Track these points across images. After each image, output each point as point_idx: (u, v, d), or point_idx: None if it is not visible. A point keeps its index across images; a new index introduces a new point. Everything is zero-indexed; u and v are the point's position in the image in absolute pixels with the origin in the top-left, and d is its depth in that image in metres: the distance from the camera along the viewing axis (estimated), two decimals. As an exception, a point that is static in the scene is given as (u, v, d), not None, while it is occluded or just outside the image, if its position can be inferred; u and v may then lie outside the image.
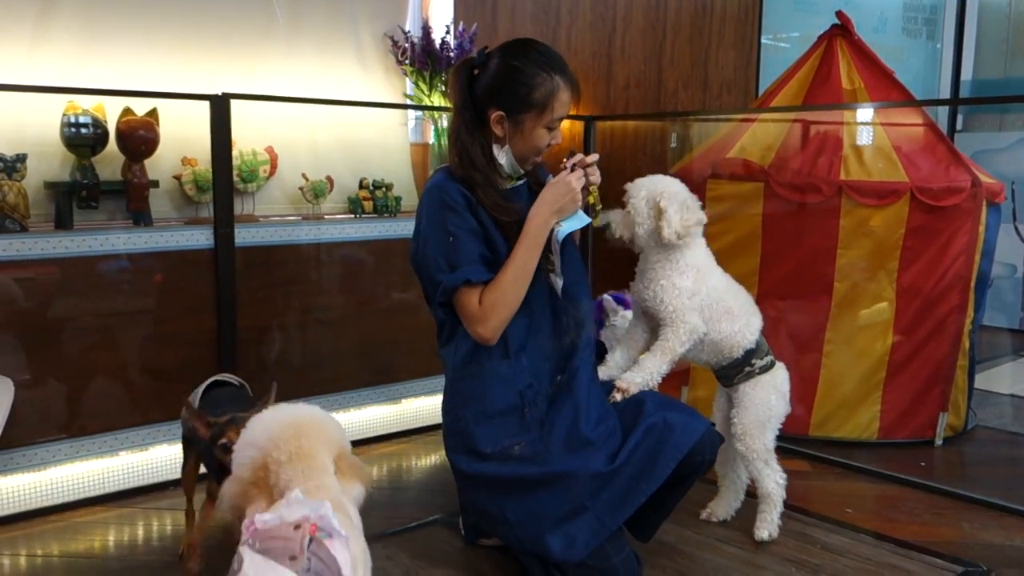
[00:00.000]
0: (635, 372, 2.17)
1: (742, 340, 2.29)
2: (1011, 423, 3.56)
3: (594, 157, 2.08)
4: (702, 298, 2.24)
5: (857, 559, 2.26)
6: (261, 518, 1.22)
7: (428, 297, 2.08)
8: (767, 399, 2.31)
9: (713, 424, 2.11)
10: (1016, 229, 5.42)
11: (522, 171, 2.11)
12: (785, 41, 5.11)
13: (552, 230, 2.03)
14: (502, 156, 2.05)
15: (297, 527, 1.20)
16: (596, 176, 2.08)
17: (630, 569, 1.97)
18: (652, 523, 2.18)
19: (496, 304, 1.97)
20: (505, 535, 2.08)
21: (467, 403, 2.06)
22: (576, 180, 2.01)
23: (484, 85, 2.02)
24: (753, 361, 2.32)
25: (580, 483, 1.94)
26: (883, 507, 2.65)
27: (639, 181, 2.26)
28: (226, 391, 2.23)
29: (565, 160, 2.07)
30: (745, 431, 2.31)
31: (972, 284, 3.14)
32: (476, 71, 2.04)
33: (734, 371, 2.33)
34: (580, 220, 2.06)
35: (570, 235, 2.10)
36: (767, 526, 2.34)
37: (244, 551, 1.18)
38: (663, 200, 2.17)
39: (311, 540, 1.19)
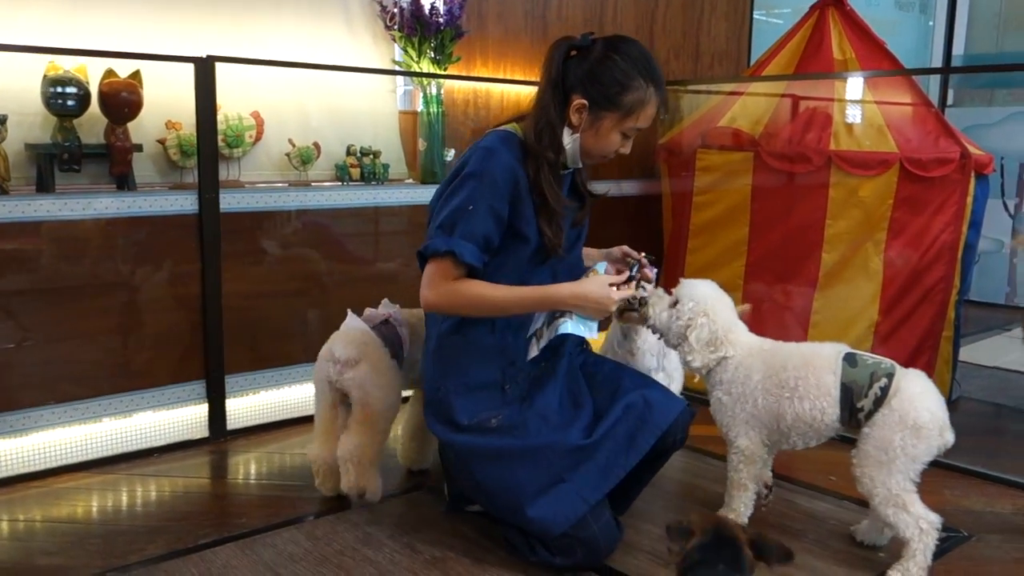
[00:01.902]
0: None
1: (821, 405, 2.02)
2: (994, 395, 3.58)
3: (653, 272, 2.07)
4: (750, 403, 2.09)
5: (840, 524, 2.27)
6: (364, 312, 2.41)
7: None
8: (888, 439, 1.94)
9: (689, 404, 2.10)
10: (1004, 204, 5.44)
11: (579, 164, 2.07)
12: (777, 16, 5.09)
13: (560, 317, 1.99)
14: (568, 142, 1.99)
15: (381, 318, 2.39)
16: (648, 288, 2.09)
17: (610, 535, 1.98)
18: (628, 497, 2.21)
19: (458, 299, 1.93)
20: (485, 504, 2.10)
21: (449, 374, 2.05)
22: (619, 297, 1.96)
23: (579, 70, 1.96)
24: (860, 405, 1.99)
25: (557, 455, 1.94)
26: (867, 476, 2.65)
27: (695, 286, 2.14)
28: None
29: (632, 262, 2.07)
30: (862, 472, 1.98)
31: (959, 255, 3.15)
32: (574, 52, 1.99)
33: (850, 425, 2.05)
34: (588, 330, 1.99)
35: (577, 226, 2.11)
36: (901, 572, 1.97)
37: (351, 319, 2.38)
38: (695, 329, 2.08)
39: (386, 322, 2.37)
